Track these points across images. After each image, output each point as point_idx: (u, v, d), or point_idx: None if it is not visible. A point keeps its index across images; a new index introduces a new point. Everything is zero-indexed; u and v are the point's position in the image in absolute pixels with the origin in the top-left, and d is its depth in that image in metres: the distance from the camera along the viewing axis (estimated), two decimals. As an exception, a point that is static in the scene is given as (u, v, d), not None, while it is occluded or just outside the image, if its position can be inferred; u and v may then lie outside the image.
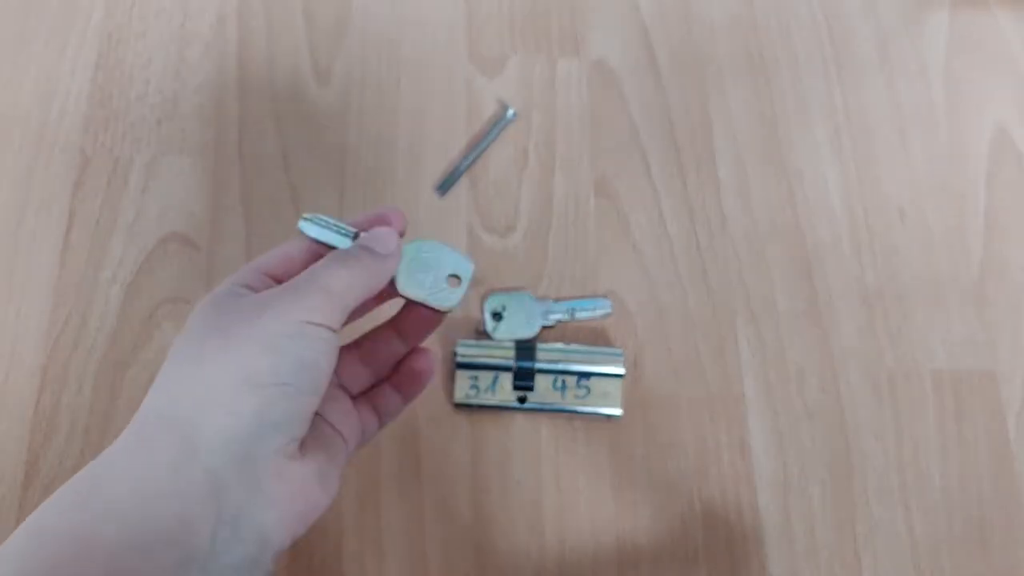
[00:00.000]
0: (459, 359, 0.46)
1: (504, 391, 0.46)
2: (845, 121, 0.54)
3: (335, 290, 0.30)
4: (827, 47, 0.56)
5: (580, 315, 0.48)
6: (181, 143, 0.52)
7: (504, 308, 0.48)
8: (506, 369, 0.46)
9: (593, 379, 0.46)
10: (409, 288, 0.34)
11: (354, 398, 0.35)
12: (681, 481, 0.46)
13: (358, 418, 0.35)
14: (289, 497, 0.29)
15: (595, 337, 0.48)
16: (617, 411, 0.46)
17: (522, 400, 0.46)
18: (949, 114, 0.54)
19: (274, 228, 0.50)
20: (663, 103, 0.54)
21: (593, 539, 0.45)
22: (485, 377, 0.46)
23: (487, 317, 0.48)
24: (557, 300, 0.49)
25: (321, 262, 0.32)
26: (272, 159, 0.52)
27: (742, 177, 0.52)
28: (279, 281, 0.32)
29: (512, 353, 0.46)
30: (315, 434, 0.31)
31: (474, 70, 0.55)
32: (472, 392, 0.46)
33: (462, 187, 0.52)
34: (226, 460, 0.27)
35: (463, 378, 0.46)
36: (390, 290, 0.34)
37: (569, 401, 0.46)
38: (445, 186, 0.51)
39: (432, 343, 0.48)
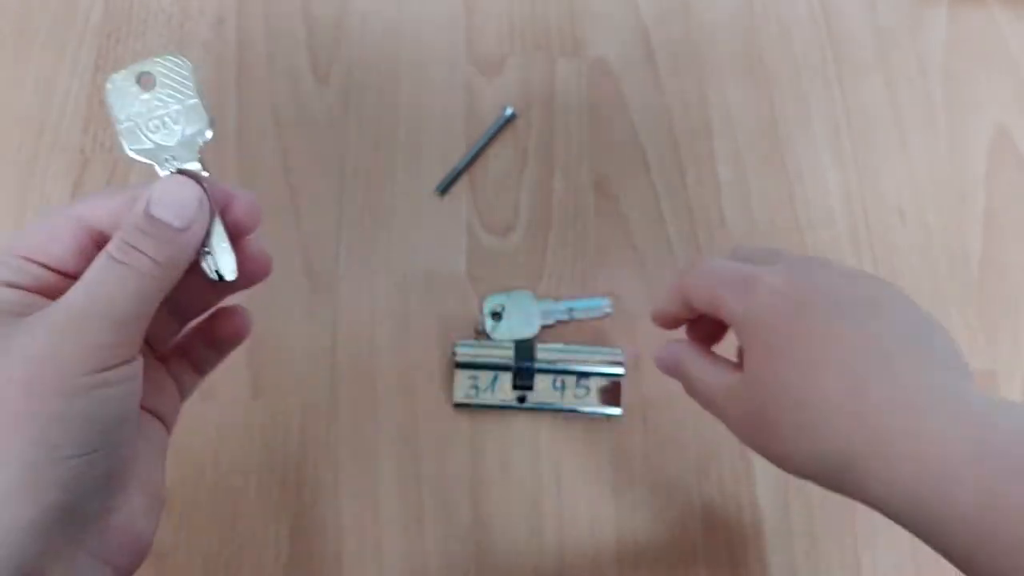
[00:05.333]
0: (459, 359, 0.46)
1: (504, 391, 0.46)
2: (845, 121, 0.54)
3: (124, 314, 0.24)
4: (827, 47, 0.56)
5: (580, 315, 0.48)
6: (181, 143, 0.52)
7: (503, 308, 0.48)
8: (506, 369, 0.46)
9: (593, 379, 0.46)
10: (136, 147, 0.27)
11: (164, 356, 0.30)
12: (681, 481, 0.46)
13: (176, 387, 0.30)
14: (116, 547, 0.26)
15: (595, 337, 0.48)
16: (617, 411, 0.46)
17: (522, 400, 0.46)
18: (949, 114, 0.54)
19: (274, 228, 0.50)
20: (663, 103, 0.54)
21: (593, 539, 0.45)
22: (485, 377, 0.46)
23: (486, 317, 0.48)
24: (557, 300, 0.49)
25: (93, 269, 0.25)
26: (272, 159, 0.52)
27: (742, 177, 0.52)
28: (46, 268, 0.26)
29: (512, 353, 0.46)
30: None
31: (474, 70, 0.55)
32: (472, 392, 0.46)
33: (462, 187, 0.52)
34: (36, 551, 0.23)
35: (463, 378, 0.46)
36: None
37: (569, 401, 0.46)
38: (445, 186, 0.51)
39: (431, 343, 0.48)
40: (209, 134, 0.27)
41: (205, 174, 0.27)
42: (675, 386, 0.48)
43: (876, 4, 0.57)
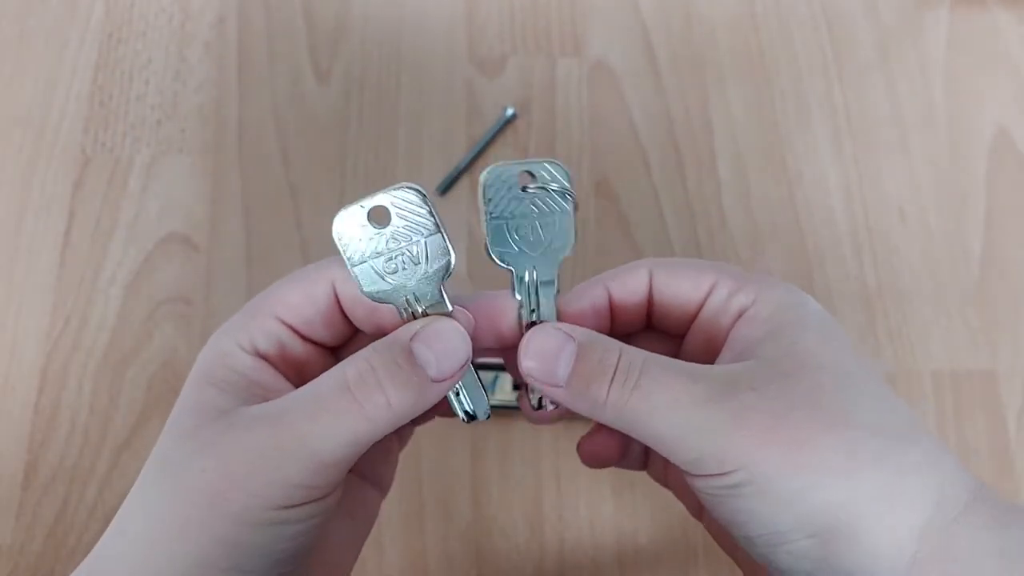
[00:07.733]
0: (459, 359, 0.46)
1: (504, 391, 0.46)
2: (845, 121, 0.54)
3: (331, 458, 0.23)
4: (827, 47, 0.56)
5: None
6: (181, 143, 0.52)
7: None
8: (506, 369, 0.46)
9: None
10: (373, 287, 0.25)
11: None
12: (681, 481, 0.46)
13: (397, 443, 0.31)
14: None
15: (595, 337, 0.48)
16: (617, 411, 0.46)
17: (522, 400, 0.46)
18: (949, 114, 0.54)
19: (274, 228, 0.50)
20: (663, 103, 0.54)
21: (593, 539, 0.45)
22: (485, 377, 0.46)
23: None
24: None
25: (323, 392, 0.23)
26: (272, 159, 0.52)
27: (742, 177, 0.52)
28: (299, 335, 0.26)
29: (512, 353, 0.46)
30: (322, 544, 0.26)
31: (474, 70, 0.55)
32: (472, 392, 0.46)
33: (463, 187, 0.52)
34: None
35: (463, 378, 0.46)
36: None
37: (569, 401, 0.46)
38: (446, 186, 0.51)
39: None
40: (452, 268, 0.25)
41: (451, 308, 0.25)
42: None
43: (877, 5, 0.57)
